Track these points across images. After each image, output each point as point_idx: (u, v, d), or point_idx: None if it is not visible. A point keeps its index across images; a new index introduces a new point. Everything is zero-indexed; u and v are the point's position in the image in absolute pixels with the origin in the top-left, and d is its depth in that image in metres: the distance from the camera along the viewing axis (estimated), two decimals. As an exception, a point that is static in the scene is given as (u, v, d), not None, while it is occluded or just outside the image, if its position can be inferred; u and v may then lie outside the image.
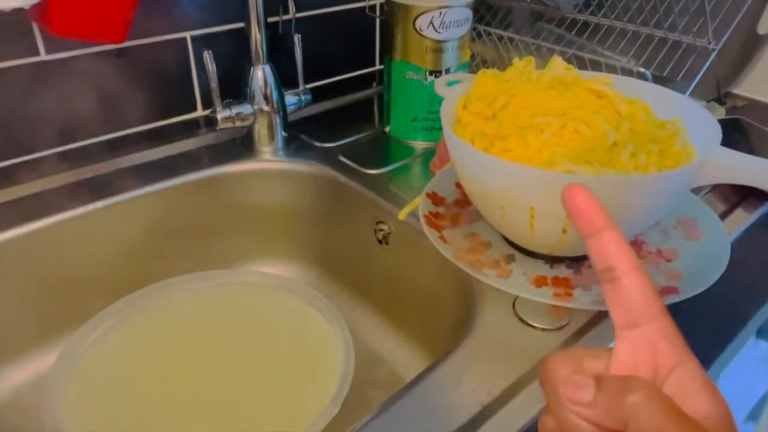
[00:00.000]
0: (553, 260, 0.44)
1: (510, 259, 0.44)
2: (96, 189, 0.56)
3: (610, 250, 0.24)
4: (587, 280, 0.42)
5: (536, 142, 0.39)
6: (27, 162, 0.57)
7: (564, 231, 0.38)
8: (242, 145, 0.65)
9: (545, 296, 0.40)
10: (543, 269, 0.43)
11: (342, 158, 0.63)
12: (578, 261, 0.44)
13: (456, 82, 0.49)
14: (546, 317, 0.41)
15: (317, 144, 0.67)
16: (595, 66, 0.64)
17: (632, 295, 0.24)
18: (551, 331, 0.41)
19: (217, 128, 0.61)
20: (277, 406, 0.42)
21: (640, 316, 0.24)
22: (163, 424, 0.41)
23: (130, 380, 0.43)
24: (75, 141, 0.60)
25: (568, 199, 0.25)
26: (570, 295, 0.40)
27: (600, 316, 0.42)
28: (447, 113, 0.44)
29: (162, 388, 0.43)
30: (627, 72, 0.62)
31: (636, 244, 0.45)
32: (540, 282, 0.42)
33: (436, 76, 0.62)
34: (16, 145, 0.56)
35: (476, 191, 0.41)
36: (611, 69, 0.63)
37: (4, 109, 0.55)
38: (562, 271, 0.43)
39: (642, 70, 0.62)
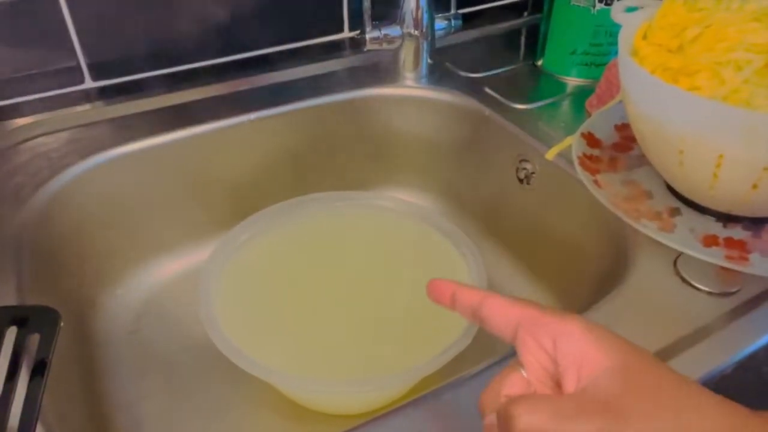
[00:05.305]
0: (727, 219, 0.39)
1: (675, 212, 0.40)
2: (248, 102, 0.58)
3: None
4: (769, 246, 0.37)
5: (733, 81, 0.33)
6: (192, 70, 0.60)
7: (755, 186, 0.33)
8: (386, 69, 0.64)
9: (716, 257, 0.35)
10: (714, 228, 0.38)
11: (488, 90, 0.60)
12: (758, 223, 0.39)
13: (635, 8, 0.43)
14: (713, 280, 0.37)
15: (462, 73, 0.64)
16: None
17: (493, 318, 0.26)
18: (718, 296, 0.36)
19: (364, 49, 0.60)
20: (408, 331, 0.42)
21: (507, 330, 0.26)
22: (303, 326, 0.43)
23: (273, 280, 0.46)
24: (230, 54, 0.62)
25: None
26: (745, 259, 0.36)
27: (778, 288, 0.37)
28: (624, 43, 0.39)
29: (302, 292, 0.45)
30: None
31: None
32: (710, 241, 0.37)
33: (607, 3, 0.56)
34: (186, 54, 0.59)
35: (650, 131, 0.37)
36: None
37: (178, 17, 0.57)
38: (738, 233, 0.38)
39: None
